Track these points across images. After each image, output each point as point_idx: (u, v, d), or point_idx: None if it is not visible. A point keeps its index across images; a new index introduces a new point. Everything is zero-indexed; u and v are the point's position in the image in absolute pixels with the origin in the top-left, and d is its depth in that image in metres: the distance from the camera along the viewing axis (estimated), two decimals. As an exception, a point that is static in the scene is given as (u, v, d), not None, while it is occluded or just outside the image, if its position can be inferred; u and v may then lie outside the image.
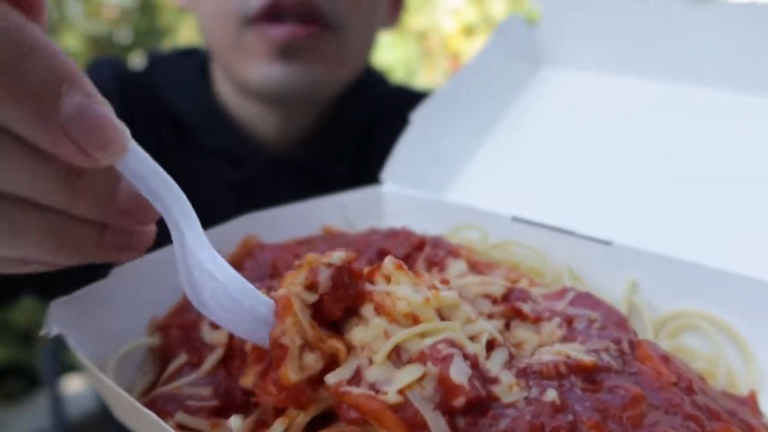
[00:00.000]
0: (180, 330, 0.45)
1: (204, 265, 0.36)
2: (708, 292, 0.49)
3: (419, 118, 0.68)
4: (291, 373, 0.34)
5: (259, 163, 0.88)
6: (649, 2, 0.69)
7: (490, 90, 0.73)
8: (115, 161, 0.32)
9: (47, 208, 0.33)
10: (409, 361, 0.34)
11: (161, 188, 0.35)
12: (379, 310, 0.36)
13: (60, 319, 0.42)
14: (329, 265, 0.37)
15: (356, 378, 0.34)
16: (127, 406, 0.36)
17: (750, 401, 0.44)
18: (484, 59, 0.72)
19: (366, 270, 0.39)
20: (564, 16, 0.73)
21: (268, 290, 0.43)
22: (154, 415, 0.34)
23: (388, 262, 0.38)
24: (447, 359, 0.33)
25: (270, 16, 0.77)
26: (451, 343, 0.34)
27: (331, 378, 0.34)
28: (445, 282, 0.40)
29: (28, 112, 0.28)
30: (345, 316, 0.37)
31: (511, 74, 0.74)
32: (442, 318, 0.37)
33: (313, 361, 0.34)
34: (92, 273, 0.48)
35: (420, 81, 2.98)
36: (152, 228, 0.39)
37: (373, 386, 0.33)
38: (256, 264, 0.52)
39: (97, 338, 0.44)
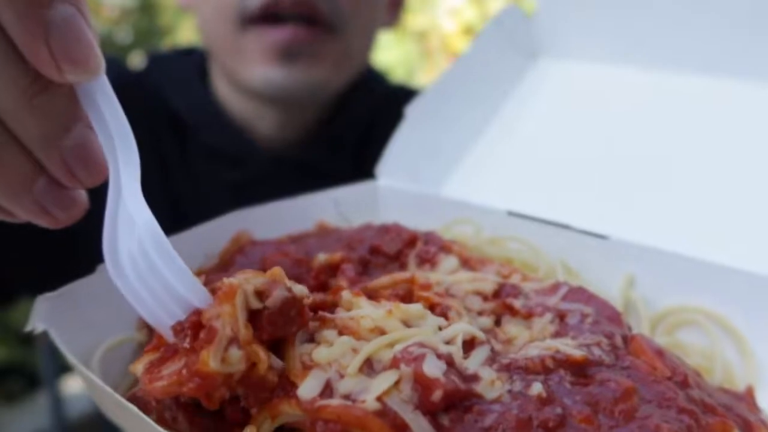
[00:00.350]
0: (166, 326, 0.44)
1: (135, 218, 0.34)
2: (705, 287, 0.49)
3: (414, 112, 0.68)
4: (212, 360, 0.32)
5: (258, 163, 0.87)
6: None
7: (486, 82, 0.72)
8: (81, 80, 0.31)
9: None
10: (383, 370, 0.33)
11: (115, 129, 0.34)
12: (344, 331, 0.36)
13: (46, 314, 0.41)
14: (289, 290, 0.35)
15: (327, 392, 0.33)
16: (110, 401, 0.36)
17: (747, 396, 0.43)
18: (480, 51, 0.71)
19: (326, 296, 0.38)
20: (560, 6, 0.72)
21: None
22: (135, 409, 0.33)
23: (345, 293, 0.38)
24: (419, 358, 0.33)
25: (269, 17, 0.76)
26: (422, 345, 0.34)
27: (303, 391, 0.32)
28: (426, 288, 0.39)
29: (18, 5, 0.28)
30: (270, 344, 0.35)
31: (507, 66, 0.73)
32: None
33: (236, 358, 0.32)
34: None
35: (420, 81, 2.97)
36: (84, 198, 0.37)
37: (348, 397, 0.32)
38: (246, 260, 0.52)
39: (84, 333, 0.44)
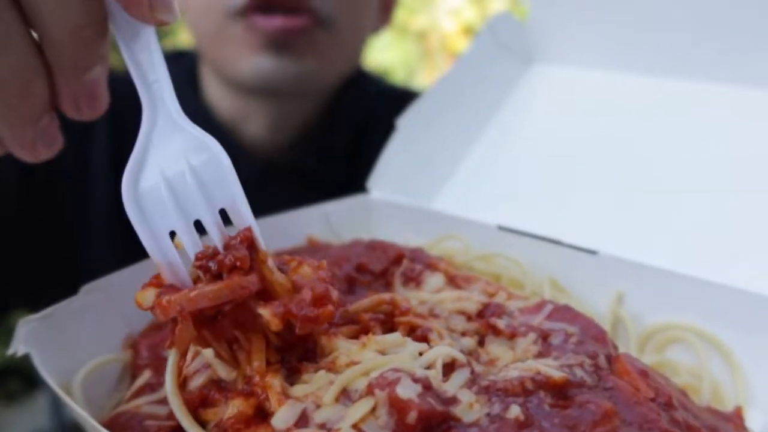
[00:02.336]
0: (148, 348, 0.44)
1: (199, 135, 0.36)
2: (696, 304, 0.48)
3: (406, 122, 0.67)
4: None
5: (249, 169, 0.87)
6: None
7: (479, 91, 0.72)
8: (168, 19, 0.35)
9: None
10: (359, 398, 0.33)
11: (155, 65, 0.36)
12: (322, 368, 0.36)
13: (27, 336, 0.41)
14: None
15: (303, 421, 0.32)
16: (87, 425, 0.36)
17: (735, 417, 0.42)
18: (473, 59, 0.71)
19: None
20: (554, 12, 0.72)
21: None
22: (108, 433, 0.33)
23: (323, 339, 0.37)
24: (394, 382, 0.32)
25: (259, 7, 0.76)
26: (398, 370, 0.33)
27: (277, 421, 0.32)
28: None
29: None
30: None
31: (501, 73, 0.73)
32: None
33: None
34: (81, 281, 0.48)
35: (420, 81, 2.97)
36: (62, 141, 0.40)
37: (323, 426, 0.32)
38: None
39: (67, 355, 0.44)
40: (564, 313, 0.45)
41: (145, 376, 0.44)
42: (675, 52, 0.65)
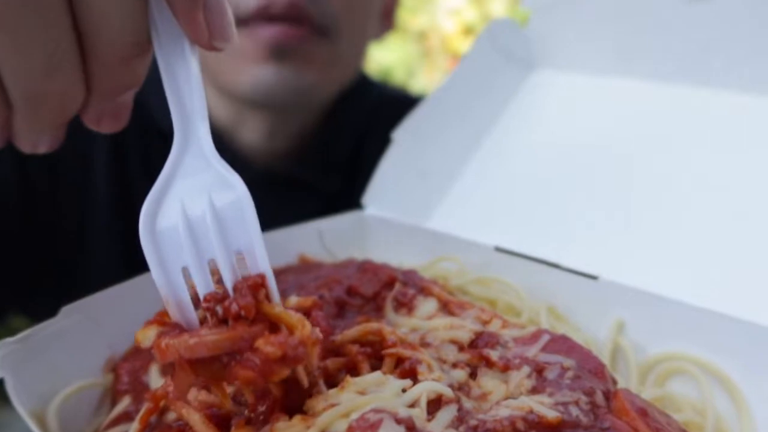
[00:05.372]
0: (129, 373, 0.43)
1: (227, 177, 0.35)
2: (699, 335, 0.46)
3: (402, 135, 0.66)
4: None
5: (246, 180, 0.85)
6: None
7: (478, 100, 0.70)
8: (222, 47, 0.35)
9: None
10: None
11: (191, 93, 0.36)
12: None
13: (3, 361, 0.40)
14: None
15: None
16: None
17: (740, 458, 0.40)
18: (471, 67, 0.70)
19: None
20: (554, 16, 0.70)
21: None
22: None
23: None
24: (376, 425, 0.31)
25: (260, 17, 0.75)
26: (380, 411, 0.32)
27: None
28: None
29: None
30: None
31: (501, 80, 0.71)
32: None
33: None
34: (77, 291, 0.47)
35: (420, 81, 2.96)
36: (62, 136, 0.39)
37: None
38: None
39: (45, 379, 0.43)
40: (561, 344, 0.43)
41: (124, 402, 0.42)
42: (679, 58, 0.63)
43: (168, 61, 0.35)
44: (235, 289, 0.34)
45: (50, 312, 0.44)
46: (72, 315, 0.44)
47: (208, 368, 0.33)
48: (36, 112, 0.34)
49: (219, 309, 0.34)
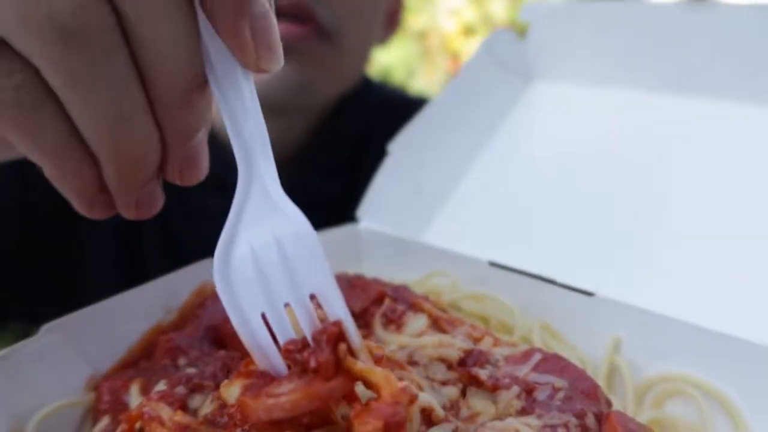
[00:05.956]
0: (109, 392, 0.42)
1: (283, 208, 0.34)
2: (699, 355, 0.44)
3: (398, 147, 0.65)
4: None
5: None
6: (644, 10, 0.65)
7: (475, 112, 0.69)
8: (270, 68, 0.34)
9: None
10: None
11: (251, 127, 0.35)
12: None
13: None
14: None
15: None
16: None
17: (740, 484, 0.39)
18: (469, 79, 0.69)
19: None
20: (554, 27, 0.70)
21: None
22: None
23: None
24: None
25: None
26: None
27: None
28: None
29: None
30: None
31: (499, 93, 0.70)
32: None
33: None
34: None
35: (420, 81, 2.96)
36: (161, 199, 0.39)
37: None
38: (208, 315, 0.49)
39: (25, 397, 0.42)
40: (553, 363, 0.41)
41: (104, 422, 0.41)
42: (681, 69, 0.62)
43: (225, 95, 0.34)
44: (313, 339, 0.33)
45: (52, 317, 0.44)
46: (53, 333, 0.44)
47: (292, 426, 0.33)
48: (121, 165, 0.34)
49: (299, 358, 0.33)
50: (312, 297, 0.34)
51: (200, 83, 0.34)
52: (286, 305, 0.34)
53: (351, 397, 0.33)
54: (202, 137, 0.37)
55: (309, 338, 0.33)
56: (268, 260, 0.34)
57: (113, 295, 0.47)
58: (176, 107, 0.34)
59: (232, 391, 0.34)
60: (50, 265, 0.86)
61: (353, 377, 0.33)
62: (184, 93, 0.33)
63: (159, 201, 0.38)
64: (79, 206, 0.37)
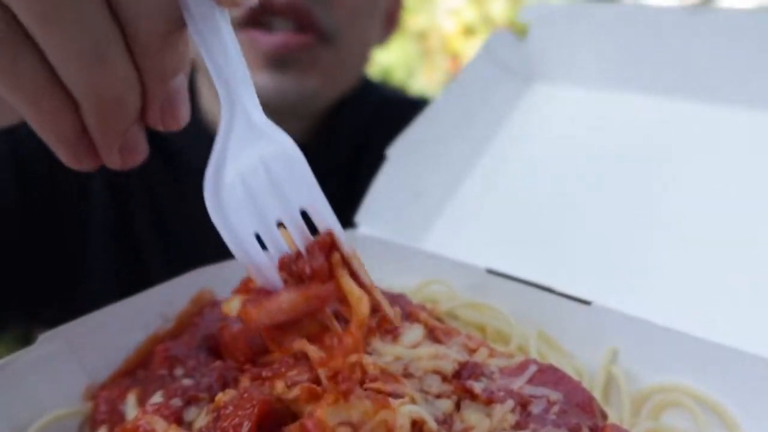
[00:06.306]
0: (106, 402, 0.42)
1: (268, 131, 0.37)
2: (696, 366, 0.44)
3: (397, 152, 0.65)
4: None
5: None
6: (645, 13, 0.65)
7: (475, 115, 0.69)
8: (245, 1, 0.35)
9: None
10: None
11: (229, 59, 0.36)
12: None
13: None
14: None
15: None
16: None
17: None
18: (469, 81, 0.68)
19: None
20: (554, 29, 0.69)
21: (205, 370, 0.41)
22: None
23: None
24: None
25: (259, 22, 0.74)
26: None
27: None
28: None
29: None
30: None
31: (499, 95, 0.70)
32: None
33: None
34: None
35: (420, 81, 2.94)
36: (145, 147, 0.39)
37: None
38: (205, 323, 0.49)
39: (23, 408, 0.42)
40: (549, 375, 0.41)
41: (100, 433, 0.41)
42: (681, 72, 0.61)
43: (203, 36, 0.35)
44: (307, 250, 0.36)
45: (54, 323, 0.44)
46: (51, 342, 0.44)
47: (293, 329, 0.36)
48: (100, 107, 0.35)
49: (295, 269, 0.36)
50: (303, 213, 0.37)
51: (178, 25, 0.35)
52: (279, 224, 0.36)
53: (346, 300, 0.36)
54: (181, 82, 0.38)
55: (302, 251, 0.36)
56: (257, 182, 0.36)
57: (113, 295, 0.47)
58: (154, 49, 0.34)
59: (232, 305, 0.36)
60: (49, 267, 0.86)
61: (340, 289, 0.36)
62: (162, 34, 0.34)
63: (143, 148, 0.39)
64: (64, 157, 0.37)
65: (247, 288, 0.37)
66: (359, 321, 0.36)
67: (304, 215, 0.38)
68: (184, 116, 0.39)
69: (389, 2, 0.88)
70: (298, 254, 0.35)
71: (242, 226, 0.36)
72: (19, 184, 0.81)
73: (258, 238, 0.37)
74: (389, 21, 0.91)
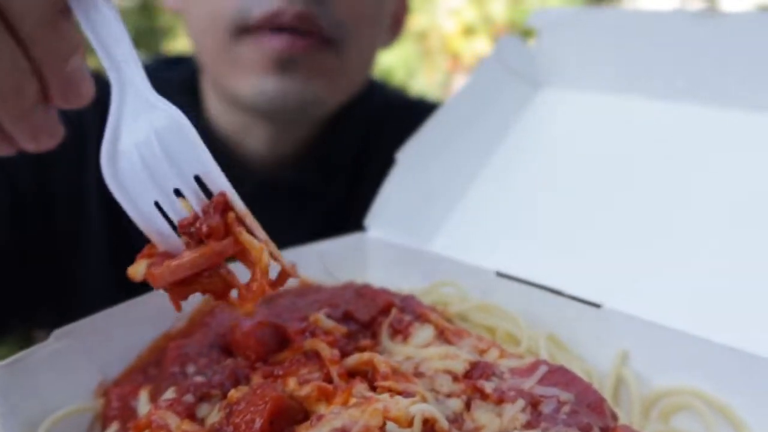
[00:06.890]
0: (118, 398, 0.42)
1: (157, 104, 0.38)
2: (706, 369, 0.44)
3: (406, 156, 0.65)
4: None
5: (248, 186, 0.84)
6: (653, 18, 0.65)
7: (484, 119, 0.69)
8: None
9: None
10: None
11: (114, 37, 0.38)
12: None
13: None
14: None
15: None
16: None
17: (747, 500, 0.39)
18: (478, 86, 0.69)
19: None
20: (563, 34, 0.69)
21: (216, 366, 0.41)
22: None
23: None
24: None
25: (268, 27, 0.73)
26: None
27: None
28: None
29: None
30: None
31: (508, 99, 0.70)
32: None
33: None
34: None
35: (420, 81, 2.95)
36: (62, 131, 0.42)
37: None
38: (216, 322, 0.50)
39: (35, 402, 0.42)
40: (559, 375, 0.41)
41: (112, 429, 0.42)
42: (689, 76, 0.61)
43: (87, 17, 0.38)
44: (203, 211, 0.38)
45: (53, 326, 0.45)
46: (63, 339, 0.44)
47: (195, 285, 0.39)
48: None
49: (193, 231, 0.38)
50: (197, 178, 0.39)
51: (62, 9, 0.37)
52: (176, 191, 0.39)
53: (242, 255, 0.39)
54: (78, 61, 0.40)
55: (199, 212, 0.38)
56: (151, 152, 0.38)
57: (109, 296, 0.47)
58: (40, 35, 0.36)
59: (138, 269, 0.38)
60: (46, 269, 0.86)
61: (239, 245, 0.38)
62: (47, 22, 0.36)
63: (57, 130, 0.42)
64: None
65: (151, 253, 0.39)
66: (263, 268, 0.38)
67: (199, 182, 0.40)
68: (86, 93, 0.41)
69: (395, 7, 0.89)
70: (195, 216, 0.38)
71: (141, 194, 0.38)
72: (13, 185, 0.80)
73: (159, 206, 0.39)
74: (395, 25, 0.91)
